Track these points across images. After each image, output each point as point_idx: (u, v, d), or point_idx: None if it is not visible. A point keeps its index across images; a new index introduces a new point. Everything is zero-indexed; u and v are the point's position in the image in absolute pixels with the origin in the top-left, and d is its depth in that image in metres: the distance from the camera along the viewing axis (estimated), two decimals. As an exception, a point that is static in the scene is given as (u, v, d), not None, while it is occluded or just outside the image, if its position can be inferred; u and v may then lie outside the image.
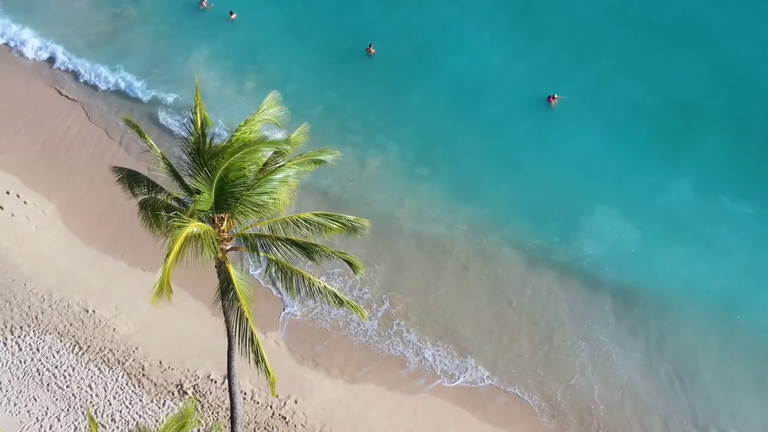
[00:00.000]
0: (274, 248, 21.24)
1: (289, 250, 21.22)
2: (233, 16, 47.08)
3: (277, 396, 29.91)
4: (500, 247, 35.40)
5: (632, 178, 37.74)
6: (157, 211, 21.57)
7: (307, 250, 21.25)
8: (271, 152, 21.54)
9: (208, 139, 21.24)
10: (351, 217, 22.06)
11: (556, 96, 40.55)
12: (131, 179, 22.64)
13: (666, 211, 36.34)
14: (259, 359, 20.88)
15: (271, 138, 22.10)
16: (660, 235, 35.47)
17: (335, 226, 21.78)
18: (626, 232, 35.58)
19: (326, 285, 21.58)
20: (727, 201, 36.41)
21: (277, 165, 21.33)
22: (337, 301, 21.67)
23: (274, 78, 42.57)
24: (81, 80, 44.04)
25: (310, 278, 21.37)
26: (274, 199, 20.95)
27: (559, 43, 43.81)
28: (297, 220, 21.58)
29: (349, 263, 21.47)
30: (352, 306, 21.71)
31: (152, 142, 22.50)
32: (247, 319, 20.56)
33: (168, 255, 19.51)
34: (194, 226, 19.85)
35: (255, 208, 20.83)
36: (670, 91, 41.19)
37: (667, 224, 35.88)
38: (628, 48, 43.55)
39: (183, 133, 22.13)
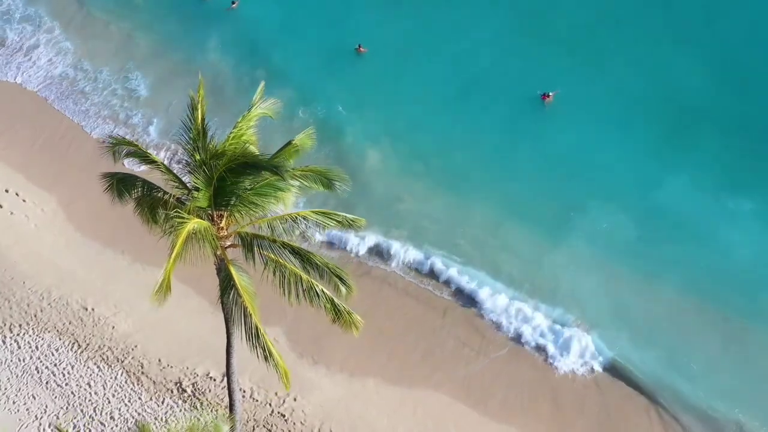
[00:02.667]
0: (271, 249, 21.11)
1: (283, 252, 21.03)
2: (234, 5, 47.24)
3: (276, 393, 29.90)
4: (496, 248, 35.49)
5: (629, 175, 37.76)
6: (153, 208, 21.52)
7: (302, 257, 21.03)
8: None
9: (208, 136, 21.19)
10: (349, 216, 21.96)
11: (550, 93, 40.47)
12: (123, 183, 22.18)
13: (663, 208, 36.33)
14: (267, 354, 20.72)
15: (270, 154, 21.46)
16: (657, 232, 35.50)
17: (333, 224, 21.72)
18: (622, 229, 35.57)
19: (324, 290, 21.20)
20: (726, 198, 36.36)
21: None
22: (333, 310, 21.12)
23: (268, 73, 42.69)
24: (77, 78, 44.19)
25: (308, 280, 21.11)
26: (273, 201, 20.86)
27: (555, 40, 43.77)
28: (296, 217, 21.47)
29: (340, 280, 20.93)
30: (349, 315, 21.23)
31: (144, 148, 22.36)
32: (251, 315, 20.41)
33: (171, 253, 19.47)
34: (194, 223, 19.81)
35: (254, 208, 20.79)
36: (668, 87, 41.17)
37: (665, 221, 35.88)
38: (624, 45, 43.52)
39: (181, 131, 21.82)
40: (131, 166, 33.52)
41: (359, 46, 44.11)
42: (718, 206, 36.15)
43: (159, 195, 21.76)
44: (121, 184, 22.17)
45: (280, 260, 21.15)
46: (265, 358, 20.76)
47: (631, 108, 40.48)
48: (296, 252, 21.11)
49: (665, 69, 42.12)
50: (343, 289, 20.98)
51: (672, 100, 40.61)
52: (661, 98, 40.75)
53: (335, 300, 21.23)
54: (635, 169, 38.09)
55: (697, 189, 36.86)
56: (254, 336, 20.57)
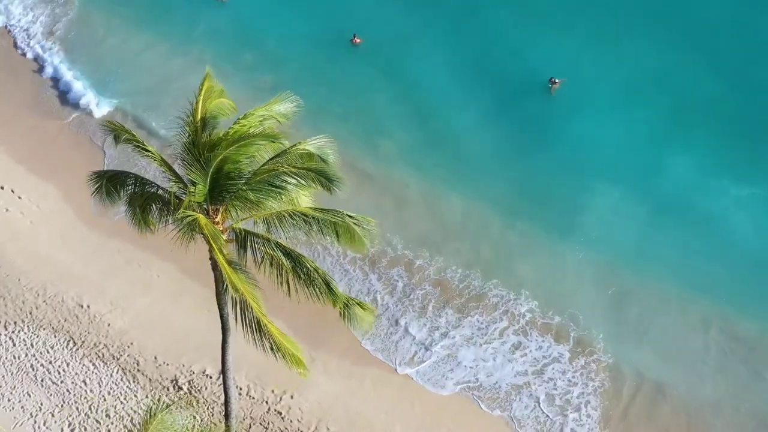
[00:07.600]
0: (264, 247, 20.66)
1: (275, 253, 20.49)
2: None
3: (273, 391, 29.74)
4: (497, 238, 35.42)
5: (632, 161, 37.59)
6: (145, 206, 21.19)
7: (293, 258, 20.42)
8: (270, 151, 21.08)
9: (208, 130, 20.90)
10: (354, 216, 20.76)
11: (557, 80, 40.06)
12: (113, 182, 21.72)
13: (666, 193, 36.17)
14: (273, 346, 20.21)
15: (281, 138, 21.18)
16: (659, 218, 35.33)
17: (339, 221, 20.46)
18: (625, 216, 35.40)
19: (321, 278, 20.49)
20: (729, 184, 36.17)
21: (277, 170, 20.35)
22: (332, 300, 20.50)
23: (261, 67, 42.31)
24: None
25: (303, 276, 20.57)
26: (270, 198, 20.47)
27: (559, 27, 43.26)
28: (294, 214, 20.84)
29: (328, 287, 20.28)
30: (360, 306, 20.80)
31: (140, 139, 21.99)
32: (252, 308, 19.88)
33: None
34: (201, 218, 19.51)
35: (249, 205, 20.47)
36: (669, 75, 40.76)
37: (667, 207, 35.69)
38: (628, 32, 43.01)
39: (180, 123, 21.43)
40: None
41: (354, 36, 43.04)
42: (721, 192, 36.04)
43: (153, 190, 21.43)
44: (110, 184, 21.67)
45: (277, 256, 20.66)
46: (272, 350, 20.20)
47: (633, 96, 40.12)
48: (287, 253, 20.53)
49: (668, 57, 41.66)
50: (330, 298, 20.36)
51: (674, 87, 40.24)
52: (664, 86, 40.39)
53: (331, 284, 20.41)
54: (638, 155, 37.82)
55: (700, 174, 36.68)
56: (257, 328, 20.03)
